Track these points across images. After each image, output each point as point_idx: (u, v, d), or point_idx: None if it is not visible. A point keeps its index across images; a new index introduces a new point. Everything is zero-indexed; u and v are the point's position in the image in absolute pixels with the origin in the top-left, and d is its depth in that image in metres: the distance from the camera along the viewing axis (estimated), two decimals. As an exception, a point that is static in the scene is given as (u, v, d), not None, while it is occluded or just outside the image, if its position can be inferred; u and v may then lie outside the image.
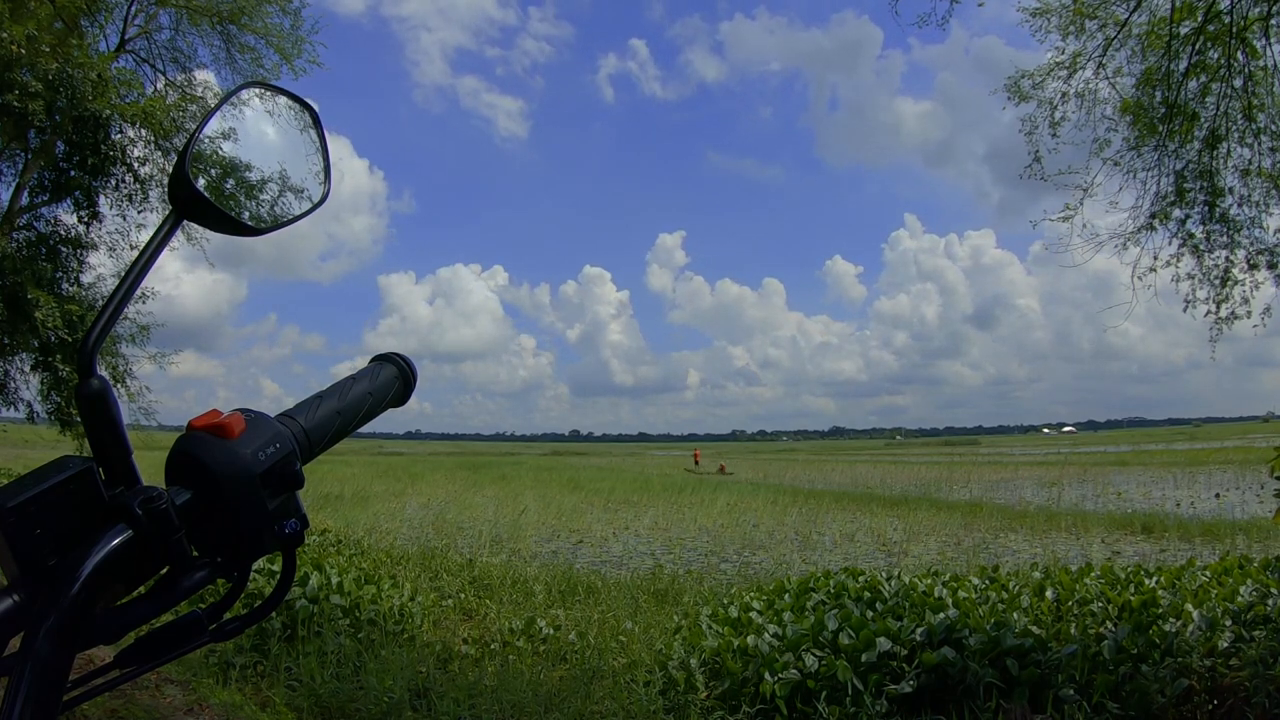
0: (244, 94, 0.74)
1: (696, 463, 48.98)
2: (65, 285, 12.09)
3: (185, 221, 0.63)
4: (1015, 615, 4.49)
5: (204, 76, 13.14)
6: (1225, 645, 3.69)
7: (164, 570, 0.54)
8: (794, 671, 3.86)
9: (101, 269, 12.68)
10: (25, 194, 11.99)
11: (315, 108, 0.78)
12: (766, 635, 4.41)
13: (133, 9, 12.49)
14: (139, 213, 12.11)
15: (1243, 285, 7.48)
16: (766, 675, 3.86)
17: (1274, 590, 4.18)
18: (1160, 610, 4.24)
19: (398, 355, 0.74)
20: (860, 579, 5.85)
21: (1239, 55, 6.97)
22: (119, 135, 11.19)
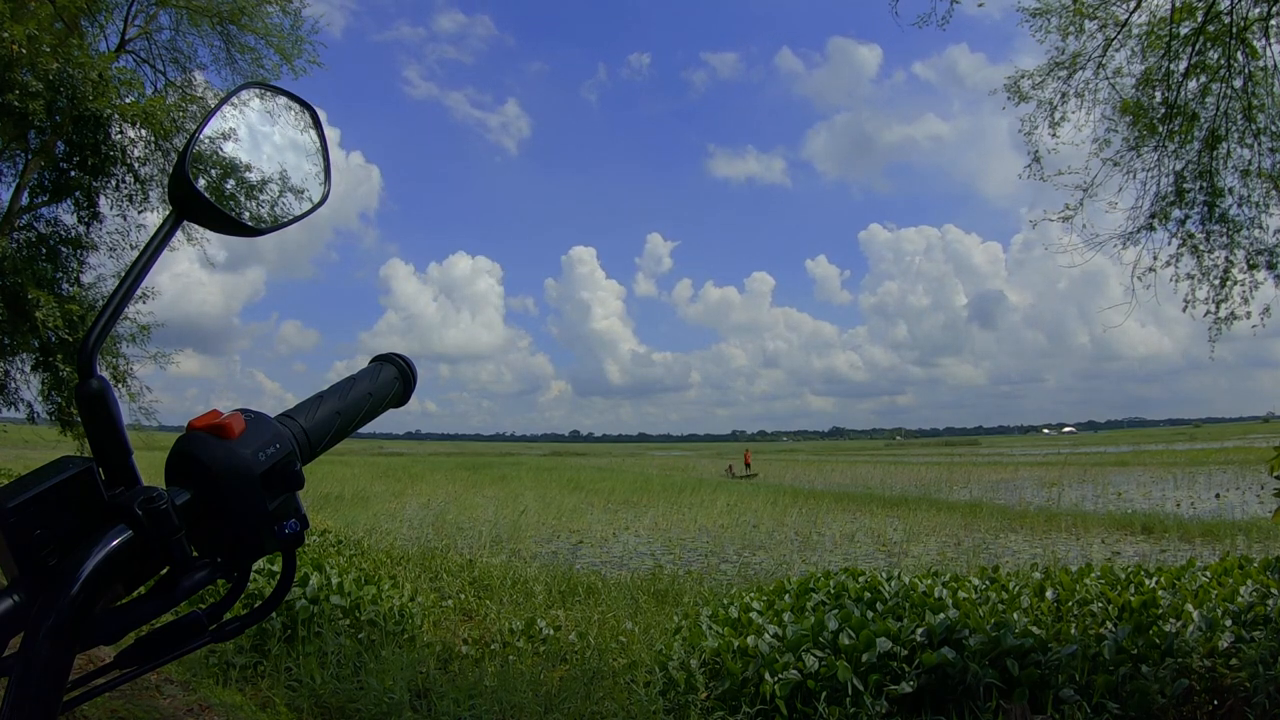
0: (244, 94, 0.74)
1: (747, 465, 39.52)
2: (65, 285, 12.09)
3: (185, 221, 0.63)
4: (1015, 615, 4.49)
5: (203, 77, 13.16)
6: (1225, 646, 3.69)
7: (164, 570, 0.54)
8: (794, 672, 3.86)
9: (101, 269, 12.69)
10: (25, 194, 12.00)
11: (315, 108, 0.78)
12: (767, 635, 4.41)
13: (133, 9, 12.50)
14: (139, 213, 12.12)
15: (1242, 285, 7.48)
16: (766, 675, 3.86)
17: (1274, 591, 4.18)
18: (1160, 611, 4.24)
19: (398, 355, 0.74)
20: (860, 579, 5.85)
21: (1239, 55, 6.97)
22: (119, 135, 11.18)
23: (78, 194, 11.93)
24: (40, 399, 12.33)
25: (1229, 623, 3.89)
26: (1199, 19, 6.93)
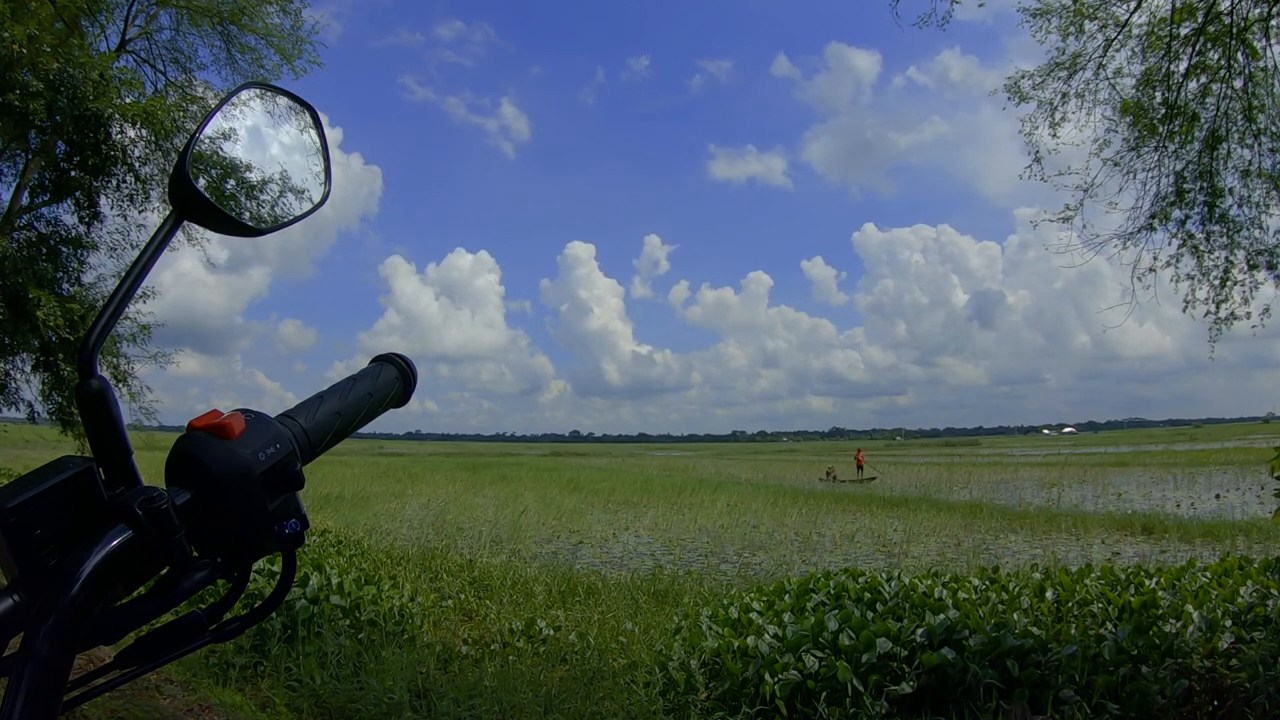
0: (244, 94, 0.74)
1: (860, 468, 34.11)
2: (66, 285, 12.10)
3: (185, 222, 0.63)
4: (1015, 616, 4.49)
5: (203, 77, 13.17)
6: (1225, 646, 3.69)
7: (164, 570, 0.54)
8: (794, 672, 3.86)
9: (102, 269, 12.71)
10: (26, 194, 12.00)
11: (315, 108, 0.78)
12: (767, 636, 4.40)
13: (133, 9, 12.51)
14: (139, 213, 12.14)
15: (1242, 285, 7.49)
16: (766, 676, 3.85)
17: (1274, 591, 4.17)
18: (1160, 611, 4.24)
19: (398, 356, 0.74)
20: (860, 580, 5.84)
21: (1239, 56, 6.97)
22: (119, 135, 11.19)
23: (78, 194, 11.94)
24: (41, 399, 12.35)
25: (1229, 623, 3.88)
26: (1199, 19, 6.93)
